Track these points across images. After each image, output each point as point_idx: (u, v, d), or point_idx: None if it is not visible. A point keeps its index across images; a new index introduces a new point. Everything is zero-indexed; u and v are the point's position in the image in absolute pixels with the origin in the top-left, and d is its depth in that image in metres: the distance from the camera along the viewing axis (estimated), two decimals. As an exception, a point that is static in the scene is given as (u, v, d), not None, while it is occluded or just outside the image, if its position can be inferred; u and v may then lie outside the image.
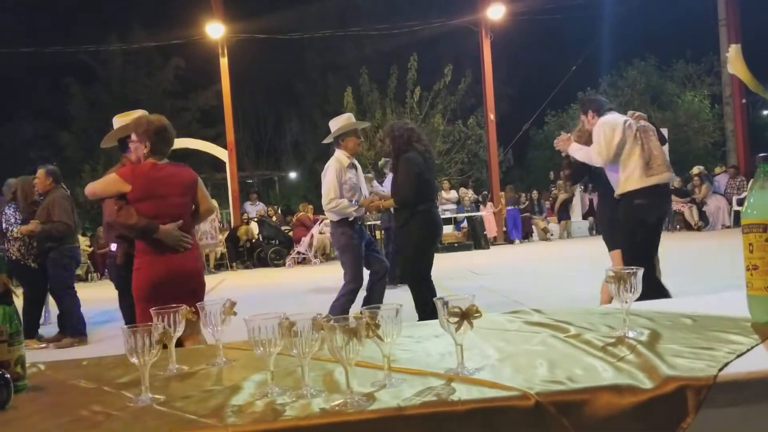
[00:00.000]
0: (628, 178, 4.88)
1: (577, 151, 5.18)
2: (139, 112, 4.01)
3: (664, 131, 20.15)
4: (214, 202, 7.06)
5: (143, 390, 1.40)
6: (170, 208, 3.63)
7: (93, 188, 3.76)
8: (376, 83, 21.38)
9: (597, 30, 23.95)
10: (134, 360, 1.39)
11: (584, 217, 17.69)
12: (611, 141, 4.88)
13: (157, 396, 1.39)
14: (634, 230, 4.85)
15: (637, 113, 5.14)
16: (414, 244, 5.32)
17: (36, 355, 6.01)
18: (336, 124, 5.70)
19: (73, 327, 6.69)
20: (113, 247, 4.04)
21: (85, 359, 1.88)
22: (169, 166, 3.71)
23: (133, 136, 3.74)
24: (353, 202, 5.53)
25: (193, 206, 3.81)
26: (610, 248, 5.44)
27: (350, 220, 5.55)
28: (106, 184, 3.71)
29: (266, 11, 22.81)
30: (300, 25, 24.06)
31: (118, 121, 4.17)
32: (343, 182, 5.56)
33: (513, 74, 26.30)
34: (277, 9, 23.93)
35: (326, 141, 5.83)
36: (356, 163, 5.80)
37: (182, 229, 3.63)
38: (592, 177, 5.80)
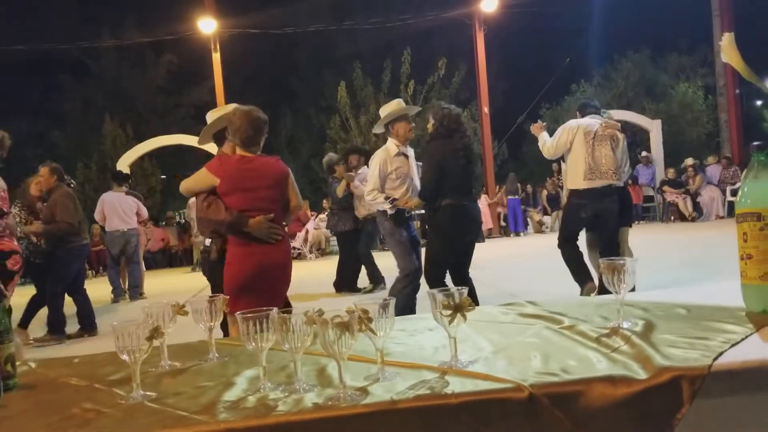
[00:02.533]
0: (572, 179, 5.74)
1: (540, 141, 5.98)
2: (232, 106, 3.92)
3: (657, 123, 20.05)
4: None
5: (135, 387, 1.38)
6: (259, 201, 3.58)
7: (186, 185, 3.72)
8: (369, 77, 21.34)
9: (590, 22, 23.98)
10: (125, 357, 1.38)
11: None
12: (557, 141, 5.75)
13: (148, 393, 1.38)
14: (568, 219, 5.93)
15: (609, 122, 5.77)
16: (432, 242, 5.21)
17: (32, 353, 6.01)
18: (385, 110, 5.42)
19: (51, 324, 6.72)
20: (207, 242, 3.92)
21: (77, 357, 1.87)
22: (260, 158, 3.66)
23: (228, 130, 3.75)
24: (390, 201, 5.30)
25: (285, 200, 3.77)
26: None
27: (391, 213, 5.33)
28: (197, 179, 3.67)
29: (258, 6, 22.76)
30: (293, 20, 23.96)
31: (212, 115, 4.07)
32: (389, 172, 5.30)
33: (507, 67, 26.29)
34: (269, 4, 23.87)
35: (376, 130, 5.62)
36: (407, 150, 5.46)
37: (273, 221, 3.60)
38: None
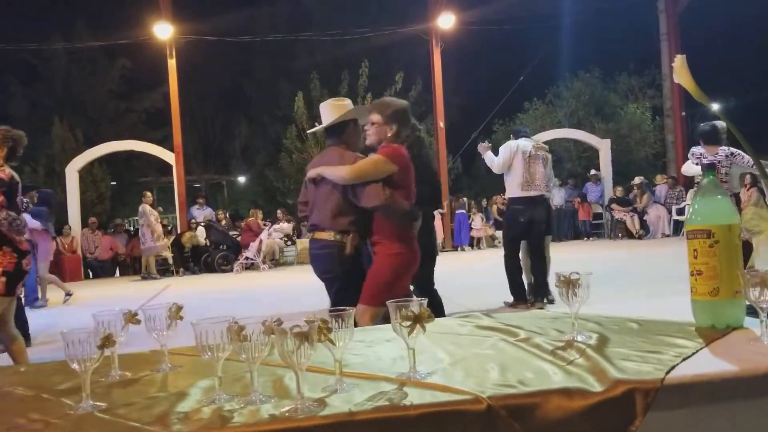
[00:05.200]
0: (512, 189, 7.02)
1: (487, 159, 7.20)
2: (347, 101, 3.86)
3: (606, 142, 20.59)
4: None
5: (84, 397, 1.34)
6: (411, 196, 3.61)
7: (363, 171, 3.50)
8: (327, 89, 21.34)
9: (544, 42, 24.47)
10: (75, 366, 1.33)
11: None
12: (503, 159, 7.02)
13: (98, 403, 1.33)
14: (510, 225, 7.22)
15: (539, 144, 7.31)
16: None
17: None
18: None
19: None
20: (332, 236, 3.64)
21: (23, 365, 1.80)
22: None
23: (375, 118, 3.67)
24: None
25: None
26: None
27: None
28: (375, 165, 3.51)
29: (216, 13, 22.60)
30: (250, 29, 23.84)
31: (335, 105, 3.84)
32: None
33: (463, 83, 26.59)
34: (227, 11, 23.71)
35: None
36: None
37: None
38: None
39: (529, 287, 7.06)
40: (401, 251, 3.55)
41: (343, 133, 3.81)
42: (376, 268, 3.57)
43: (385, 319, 3.20)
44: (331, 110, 3.84)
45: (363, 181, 3.49)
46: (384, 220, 3.55)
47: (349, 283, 3.60)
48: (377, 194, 3.45)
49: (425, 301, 1.39)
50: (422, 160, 4.98)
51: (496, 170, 7.12)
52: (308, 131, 4.17)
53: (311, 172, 3.73)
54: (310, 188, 3.79)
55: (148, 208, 14.74)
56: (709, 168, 1.67)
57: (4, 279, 4.28)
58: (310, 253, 3.81)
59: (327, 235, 3.63)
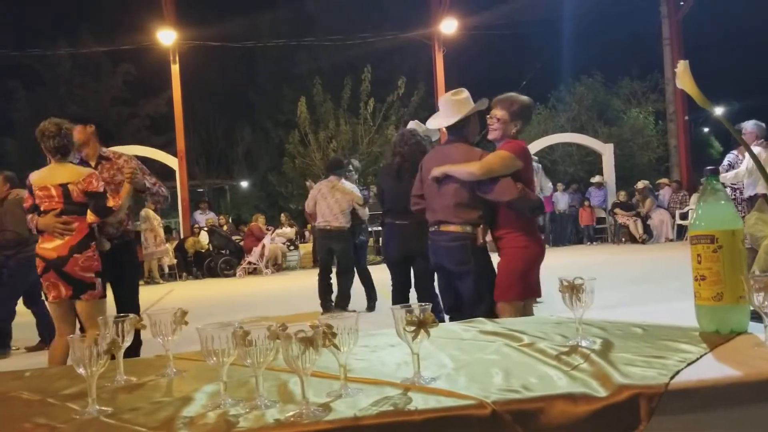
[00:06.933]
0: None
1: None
2: (465, 93, 3.88)
3: (609, 146, 20.60)
4: None
5: (90, 402, 1.34)
6: (533, 190, 3.73)
7: (492, 167, 3.56)
8: (329, 94, 21.36)
9: (547, 47, 24.50)
10: (81, 371, 1.33)
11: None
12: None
13: (104, 408, 1.34)
14: None
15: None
16: None
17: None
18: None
19: None
20: (458, 229, 3.73)
21: (28, 370, 1.81)
22: None
23: (500, 114, 3.68)
24: None
25: None
26: None
27: None
28: (503, 161, 3.57)
29: (219, 19, 22.63)
30: (254, 34, 23.90)
31: (456, 100, 3.85)
32: None
33: (465, 87, 26.56)
34: (230, 17, 23.75)
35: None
36: None
37: None
38: None
39: None
40: (529, 244, 3.65)
41: (465, 128, 3.87)
42: (507, 261, 3.65)
43: (522, 312, 3.41)
44: (452, 106, 3.87)
45: (491, 176, 3.57)
46: (512, 214, 3.63)
47: (484, 274, 3.69)
48: (510, 189, 3.54)
49: (429, 306, 1.39)
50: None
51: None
52: (428, 127, 4.08)
53: (436, 171, 3.75)
54: (431, 184, 3.83)
55: (150, 212, 14.75)
56: (712, 174, 1.67)
57: (99, 280, 4.12)
58: (438, 245, 3.84)
59: (456, 228, 3.72)
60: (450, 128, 3.90)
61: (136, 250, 5.05)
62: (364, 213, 7.99)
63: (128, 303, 4.23)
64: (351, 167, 8.39)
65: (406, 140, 5.28)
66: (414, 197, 4.11)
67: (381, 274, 6.83)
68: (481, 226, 3.66)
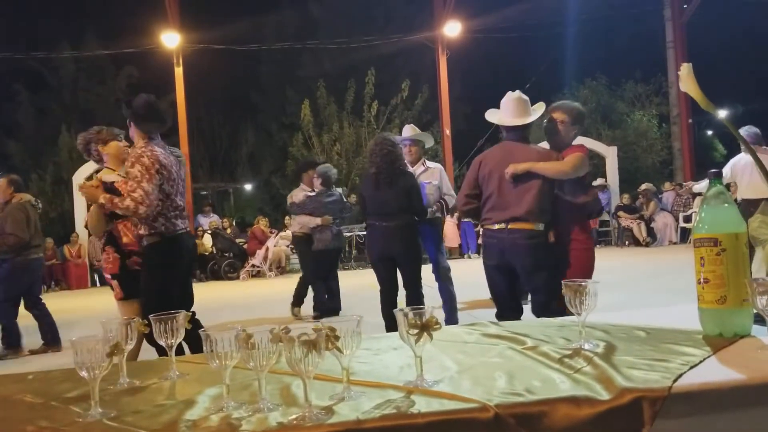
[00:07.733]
0: None
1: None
2: (525, 96, 3.95)
3: (613, 149, 20.57)
4: None
5: (93, 405, 1.34)
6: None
7: (577, 167, 3.71)
8: (333, 96, 21.38)
9: (551, 50, 24.49)
10: (84, 374, 1.34)
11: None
12: None
13: (107, 411, 1.34)
14: None
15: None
16: None
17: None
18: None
19: (2, 339, 6.62)
20: (532, 227, 3.81)
21: (31, 373, 1.81)
22: None
23: (563, 117, 3.83)
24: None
25: None
26: None
27: None
28: (583, 162, 3.74)
29: (223, 21, 22.65)
30: (257, 37, 23.93)
31: (523, 100, 3.94)
32: None
33: (469, 91, 26.60)
34: (234, 20, 23.77)
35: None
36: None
37: None
38: None
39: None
40: (590, 246, 3.84)
41: (527, 128, 3.97)
42: (576, 261, 3.75)
43: None
44: (519, 106, 3.92)
45: (573, 177, 3.74)
46: (577, 215, 3.78)
47: (557, 270, 3.70)
48: (591, 190, 3.81)
49: (431, 309, 1.39)
50: (403, 170, 5.32)
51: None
52: (493, 121, 4.04)
53: (516, 168, 3.76)
54: (499, 182, 3.84)
55: (154, 215, 14.77)
56: (716, 177, 1.66)
57: (115, 282, 4.21)
58: (513, 243, 3.82)
59: (531, 226, 3.77)
60: (514, 127, 3.95)
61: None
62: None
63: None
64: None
65: (378, 151, 5.33)
66: (466, 197, 4.06)
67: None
68: (552, 225, 3.82)
